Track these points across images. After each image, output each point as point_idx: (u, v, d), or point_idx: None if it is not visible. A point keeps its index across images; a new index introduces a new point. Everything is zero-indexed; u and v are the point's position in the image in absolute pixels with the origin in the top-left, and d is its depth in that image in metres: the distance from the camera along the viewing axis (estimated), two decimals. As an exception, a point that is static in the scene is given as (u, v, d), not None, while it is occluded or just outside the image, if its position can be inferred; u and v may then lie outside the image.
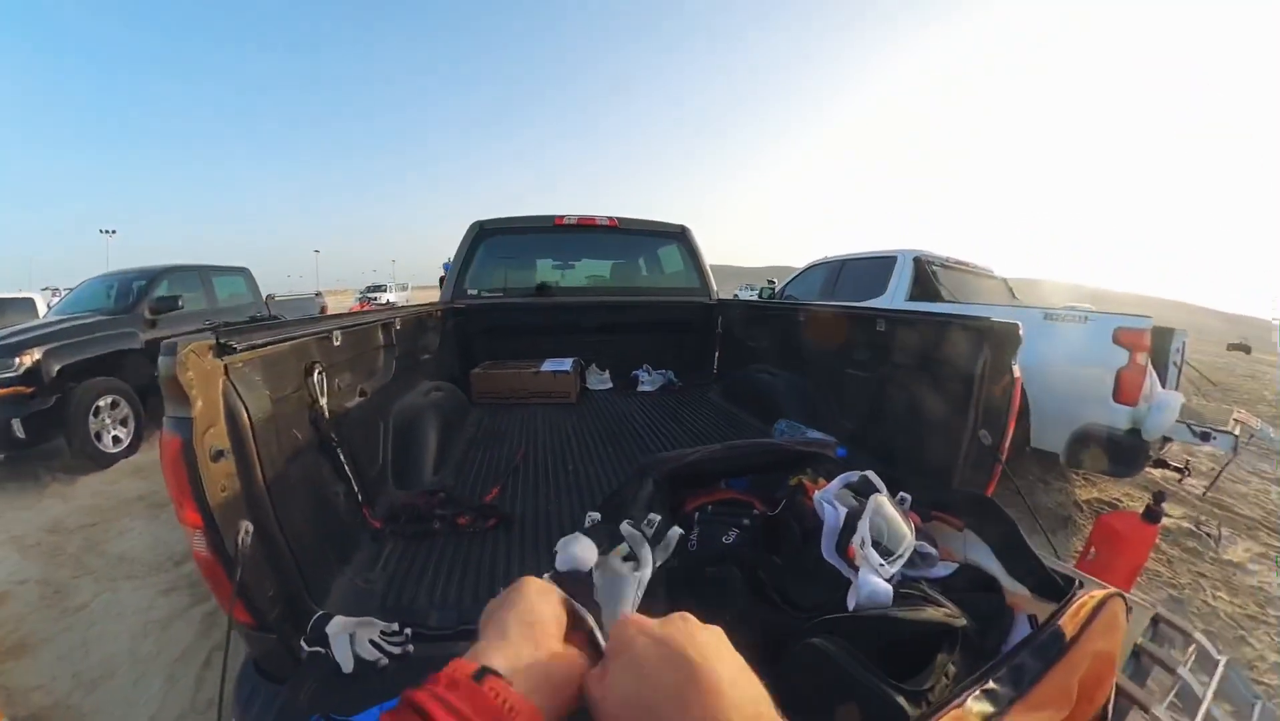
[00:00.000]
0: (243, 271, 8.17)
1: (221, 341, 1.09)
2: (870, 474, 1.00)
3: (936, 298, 4.88)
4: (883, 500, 0.90)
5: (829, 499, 0.92)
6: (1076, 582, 0.87)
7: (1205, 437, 3.93)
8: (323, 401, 1.54)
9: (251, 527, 1.05)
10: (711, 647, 0.40)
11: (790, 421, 2.37)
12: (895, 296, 4.98)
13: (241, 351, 1.15)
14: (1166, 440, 3.95)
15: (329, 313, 11.59)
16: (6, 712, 2.13)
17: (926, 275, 5.00)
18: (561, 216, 3.81)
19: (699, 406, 3.20)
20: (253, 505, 1.11)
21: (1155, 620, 1.31)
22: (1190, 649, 1.35)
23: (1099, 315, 3.92)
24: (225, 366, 1.10)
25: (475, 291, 3.73)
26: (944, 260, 5.29)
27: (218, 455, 1.02)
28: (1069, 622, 0.69)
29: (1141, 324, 3.78)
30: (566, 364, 3.31)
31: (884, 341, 2.11)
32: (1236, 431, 4.00)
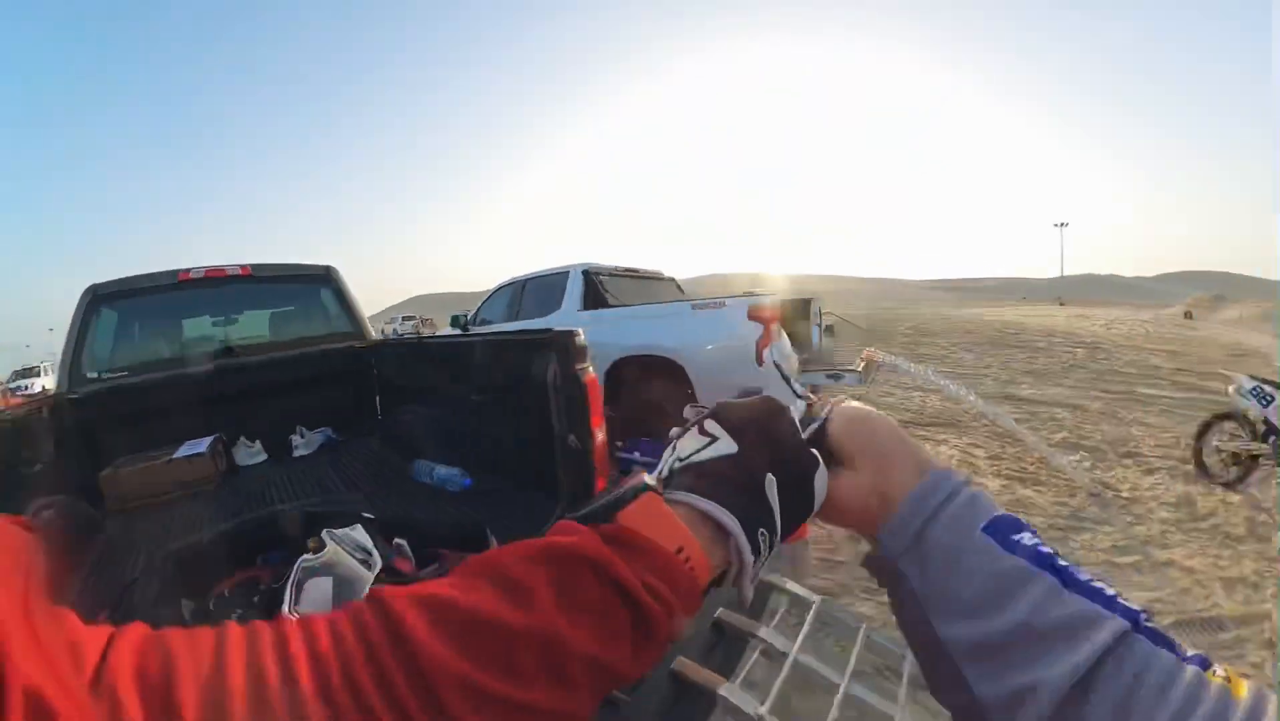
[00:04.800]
0: None
1: None
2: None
3: (606, 305, 5.27)
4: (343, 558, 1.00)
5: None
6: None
7: (836, 378, 4.85)
8: None
9: None
10: None
11: (424, 461, 2.41)
12: (569, 310, 5.27)
13: None
14: (814, 388, 4.78)
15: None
16: None
17: (595, 286, 5.37)
18: (186, 270, 3.40)
19: (356, 458, 3.03)
20: None
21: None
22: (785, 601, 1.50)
23: (735, 299, 4.60)
24: None
25: (96, 374, 3.18)
26: (611, 269, 5.72)
27: None
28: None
29: (768, 301, 4.51)
30: (203, 445, 2.96)
31: (485, 365, 2.22)
32: (861, 368, 5.01)
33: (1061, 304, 40.47)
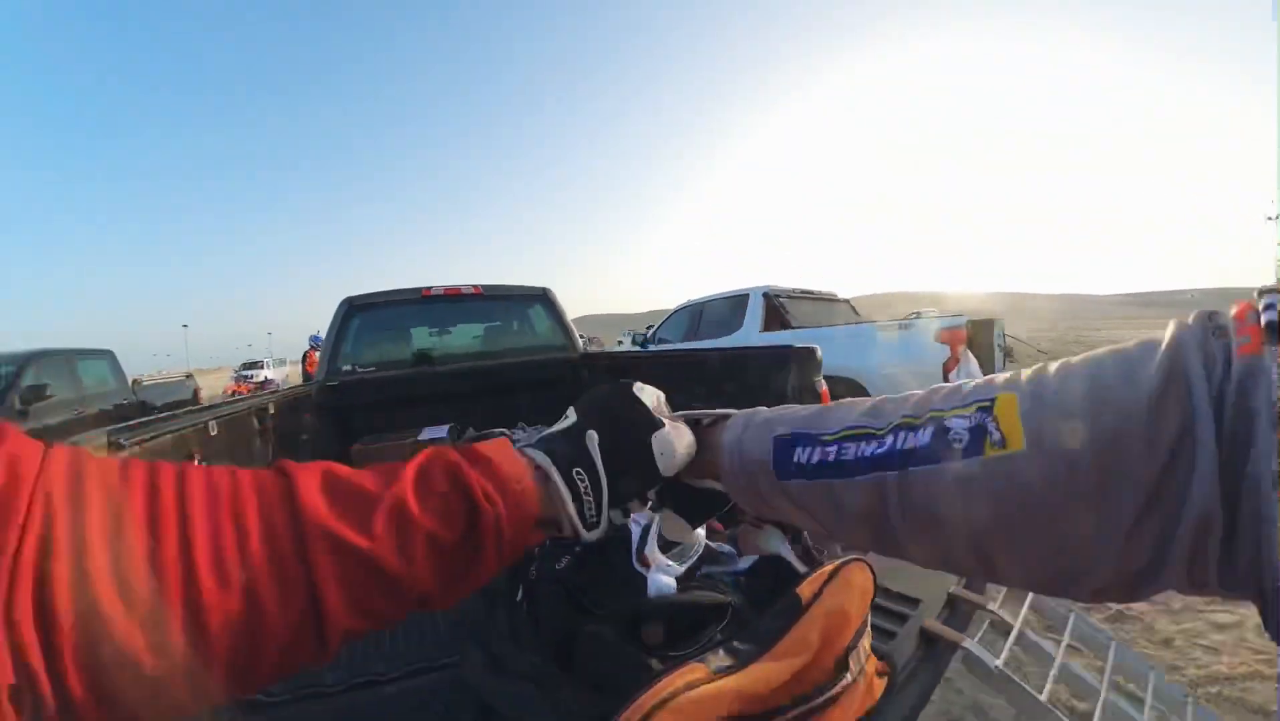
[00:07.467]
0: (106, 355, 7.46)
1: (112, 439, 1.14)
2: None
3: (787, 326, 5.30)
4: (668, 512, 1.11)
5: (635, 516, 1.13)
6: (824, 554, 1.13)
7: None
8: None
9: None
10: None
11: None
12: (750, 330, 5.36)
13: (129, 446, 1.18)
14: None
15: (202, 396, 10.76)
16: None
17: (775, 307, 5.43)
18: (429, 288, 3.93)
19: None
20: None
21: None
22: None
23: (921, 321, 4.54)
24: None
25: (349, 368, 3.75)
26: (790, 291, 5.74)
27: None
28: (806, 588, 0.79)
29: (957, 323, 4.46)
30: (443, 430, 3.36)
31: (716, 377, 2.40)
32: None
33: None
